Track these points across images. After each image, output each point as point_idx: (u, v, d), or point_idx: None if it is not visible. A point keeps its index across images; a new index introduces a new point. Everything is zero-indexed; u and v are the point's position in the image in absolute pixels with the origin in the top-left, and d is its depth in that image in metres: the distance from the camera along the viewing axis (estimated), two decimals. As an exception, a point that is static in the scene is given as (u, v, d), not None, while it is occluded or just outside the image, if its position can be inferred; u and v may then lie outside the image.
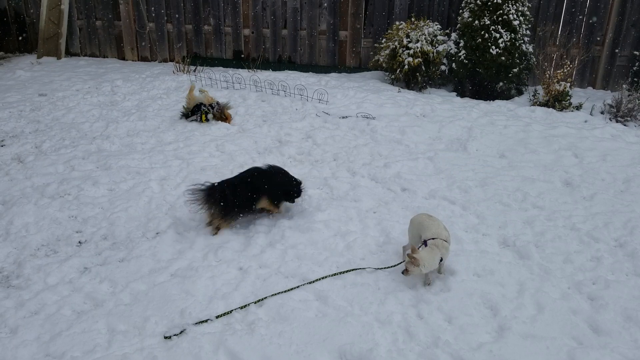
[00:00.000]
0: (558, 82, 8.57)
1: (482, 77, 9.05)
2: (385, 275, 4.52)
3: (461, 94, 9.37)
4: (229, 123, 7.87)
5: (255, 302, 4.14)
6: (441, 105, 8.60)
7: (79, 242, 4.97)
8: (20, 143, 7.07)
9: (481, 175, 6.29)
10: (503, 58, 8.78)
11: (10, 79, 10.15)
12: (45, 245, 4.90)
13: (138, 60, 11.92)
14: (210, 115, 7.87)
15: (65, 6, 11.54)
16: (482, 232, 5.21)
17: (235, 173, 6.28)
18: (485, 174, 6.32)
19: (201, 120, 7.85)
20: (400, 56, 9.37)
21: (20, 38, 12.17)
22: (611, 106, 8.38)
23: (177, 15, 11.41)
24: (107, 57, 12.07)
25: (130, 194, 5.76)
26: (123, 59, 11.98)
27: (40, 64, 11.31)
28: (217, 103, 7.96)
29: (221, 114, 7.85)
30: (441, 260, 4.34)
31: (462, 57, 9.07)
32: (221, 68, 11.19)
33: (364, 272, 4.56)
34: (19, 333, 3.76)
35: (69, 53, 12.09)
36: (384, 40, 9.87)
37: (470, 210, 5.58)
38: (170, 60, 11.65)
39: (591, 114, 8.36)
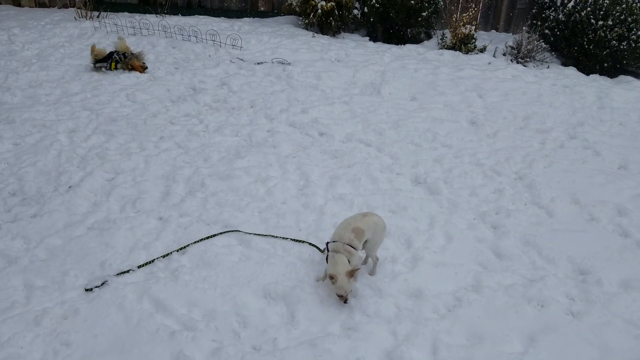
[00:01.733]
0: (464, 25, 8.88)
1: (394, 21, 9.19)
2: (306, 216, 4.65)
3: (374, 39, 9.51)
4: (141, 73, 7.56)
5: (177, 250, 4.16)
6: (355, 50, 8.69)
7: (-16, 199, 4.71)
8: None
9: (394, 118, 6.51)
10: (413, 2, 8.95)
11: None
12: (-54, 204, 4.60)
13: (35, 7, 11.02)
14: (119, 65, 7.53)
15: (-58, -57, 10.38)
16: (396, 171, 5.45)
17: (149, 122, 6.13)
18: (398, 117, 6.55)
19: (110, 68, 7.49)
20: (313, 0, 9.29)
21: None
22: (512, 48, 8.83)
23: (73, -45, 10.59)
24: (0, 3, 11.06)
25: (37, 148, 5.47)
26: (19, 5, 11.02)
27: None
28: (131, 53, 7.61)
29: (127, 65, 7.53)
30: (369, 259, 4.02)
31: (374, 1, 9.14)
32: (127, 13, 10.59)
33: (286, 215, 4.66)
34: None
35: (-47, -2, 10.98)
36: (297, -17, 9.73)
37: (384, 152, 5.79)
38: (71, 6, 10.88)
39: (494, 56, 8.78)
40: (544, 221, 4.75)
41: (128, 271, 3.93)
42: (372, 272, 3.98)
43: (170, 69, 7.76)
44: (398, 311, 3.65)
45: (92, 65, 7.60)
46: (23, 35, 8.90)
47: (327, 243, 3.82)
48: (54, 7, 11.03)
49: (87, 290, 3.73)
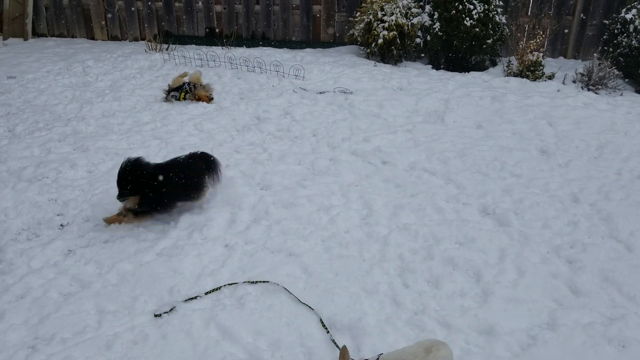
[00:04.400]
0: (531, 52, 8.68)
1: (457, 49, 9.11)
2: (369, 246, 4.59)
3: (436, 67, 9.43)
4: (207, 103, 7.80)
5: (250, 282, 4.18)
6: (417, 78, 8.65)
7: (61, 224, 4.92)
8: (-9, 128, 6.90)
9: (459, 146, 6.38)
10: (477, 29, 8.84)
11: (-24, 61, 9.84)
12: (26, 229, 4.83)
13: (108, 40, 11.65)
14: (188, 95, 7.81)
15: (29, -15, 11.18)
16: (462, 201, 5.32)
17: (215, 151, 6.26)
18: (464, 145, 6.42)
19: (179, 99, 7.78)
20: (375, 30, 9.35)
21: (-17, 19, 11.75)
22: (582, 75, 8.54)
23: (146, -8, 11.15)
24: (75, 37, 11.76)
25: (110, 175, 5.69)
26: (92, 38, 11.69)
27: (5, 45, 10.97)
28: (200, 84, 7.89)
29: (195, 95, 7.80)
30: None
31: (437, 29, 9.11)
32: (194, 46, 11.00)
33: (349, 244, 4.62)
34: (6, 318, 3.73)
35: (36, 34, 11.75)
36: (358, 14, 9.83)
37: (450, 181, 5.67)
38: (142, 39, 11.41)
39: (563, 83, 8.52)
40: (623, 256, 4.49)
41: (195, 297, 3.98)
42: None
43: (235, 99, 7.96)
44: (468, 348, 3.50)
45: (165, 93, 7.90)
46: (97, 67, 9.39)
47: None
48: (125, 40, 11.61)
49: (156, 315, 3.79)
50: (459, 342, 3.53)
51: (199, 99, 7.81)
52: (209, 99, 7.82)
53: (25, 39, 11.42)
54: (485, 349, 3.48)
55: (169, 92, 7.87)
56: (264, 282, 4.09)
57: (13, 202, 5.17)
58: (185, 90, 7.79)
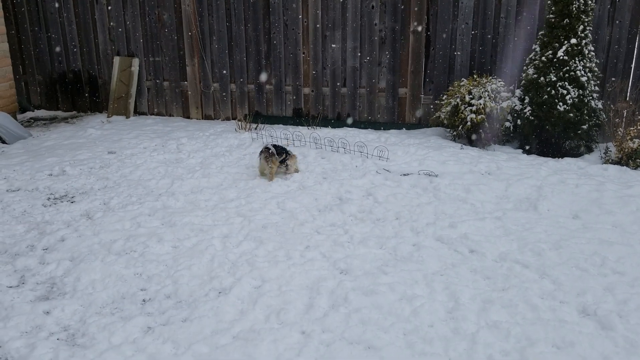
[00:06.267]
0: (631, 139, 8.19)
1: (549, 133, 8.77)
2: (455, 344, 4.26)
3: (527, 151, 9.10)
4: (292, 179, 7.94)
5: (319, 370, 3.96)
6: (507, 163, 8.35)
7: (143, 300, 4.97)
8: (89, 200, 7.30)
9: (555, 237, 5.96)
10: (571, 115, 8.50)
11: (82, 137, 10.65)
12: (110, 303, 4.92)
13: (202, 119, 12.30)
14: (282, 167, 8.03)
15: (135, 68, 12.15)
16: (559, 299, 4.88)
17: (296, 231, 6.23)
18: (559, 236, 5.99)
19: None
20: (462, 112, 9.25)
21: (92, 98, 12.84)
22: (691, 164, 7.90)
23: (240, 77, 11.79)
24: (172, 115, 12.53)
25: (193, 252, 5.78)
26: (188, 117, 12.39)
27: (110, 122, 11.85)
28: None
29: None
30: None
31: (528, 113, 8.86)
32: (281, 125, 11.37)
33: (433, 340, 4.30)
34: (84, 395, 3.71)
35: (137, 112, 12.62)
36: (445, 97, 9.81)
37: (545, 275, 5.26)
38: (233, 118, 11.95)
39: (669, 172, 7.90)
40: None
41: (268, 389, 3.80)
42: None
43: (318, 179, 8.01)
44: None
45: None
46: (189, 145, 9.86)
47: None
48: (217, 119, 12.21)
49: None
50: None
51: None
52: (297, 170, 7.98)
53: (127, 116, 12.30)
54: None
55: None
56: None
57: (101, 275, 5.32)
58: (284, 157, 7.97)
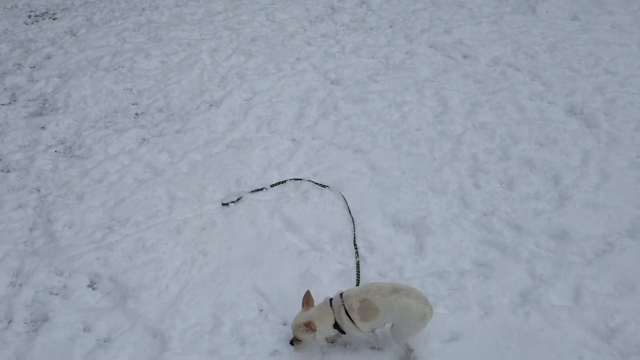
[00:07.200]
0: None
1: None
2: (441, 144, 4.39)
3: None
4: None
5: (313, 182, 4.15)
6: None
7: (136, 114, 5.04)
8: (71, 16, 7.02)
9: (550, 40, 5.81)
10: None
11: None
12: (103, 117, 5.00)
13: None
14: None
15: None
16: (547, 99, 4.90)
17: (286, 43, 6.09)
18: (555, 38, 5.83)
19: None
20: None
21: None
22: None
23: None
24: None
25: (182, 66, 5.71)
26: None
27: None
28: None
29: None
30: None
31: None
32: None
33: (420, 142, 4.43)
34: (85, 200, 3.95)
35: None
36: None
37: (536, 77, 5.22)
38: None
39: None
40: None
41: (262, 189, 4.02)
42: None
43: (310, -13, 7.58)
44: (538, 251, 3.34)
45: None
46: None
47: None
48: None
49: (223, 204, 3.89)
50: (529, 245, 3.38)
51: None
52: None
53: None
54: (555, 254, 3.31)
55: None
56: (323, 186, 4.02)
57: (91, 91, 5.33)
58: None
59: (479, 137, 4.47)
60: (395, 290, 2.65)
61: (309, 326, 2.65)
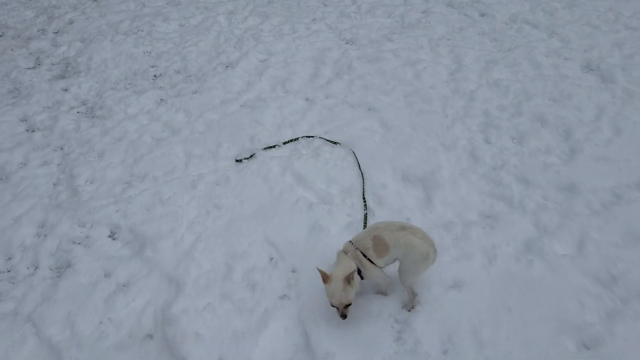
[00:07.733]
0: None
1: None
2: (454, 102, 4.40)
3: None
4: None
5: (325, 139, 4.22)
6: None
7: (154, 75, 5.16)
8: (92, -18, 7.13)
9: (570, -5, 5.70)
10: None
11: None
12: (123, 79, 5.13)
13: None
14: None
15: None
16: (564, 56, 4.85)
17: (302, 4, 6.09)
18: (575, -7, 5.72)
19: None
20: None
21: None
22: None
23: None
24: None
25: (199, 29, 5.79)
26: None
27: None
28: None
29: None
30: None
31: None
32: None
33: (433, 100, 4.45)
34: (106, 157, 4.11)
35: None
36: None
37: (554, 34, 5.15)
38: None
39: None
40: None
41: (274, 146, 4.11)
42: (406, 306, 2.91)
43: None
44: (545, 203, 3.38)
45: None
46: None
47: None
48: None
49: (237, 161, 4.00)
50: (536, 197, 3.41)
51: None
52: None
53: None
54: (562, 205, 3.34)
55: None
56: (335, 143, 4.08)
57: (112, 54, 5.46)
58: None
59: (493, 93, 4.47)
60: (403, 228, 2.73)
61: (349, 278, 2.62)
